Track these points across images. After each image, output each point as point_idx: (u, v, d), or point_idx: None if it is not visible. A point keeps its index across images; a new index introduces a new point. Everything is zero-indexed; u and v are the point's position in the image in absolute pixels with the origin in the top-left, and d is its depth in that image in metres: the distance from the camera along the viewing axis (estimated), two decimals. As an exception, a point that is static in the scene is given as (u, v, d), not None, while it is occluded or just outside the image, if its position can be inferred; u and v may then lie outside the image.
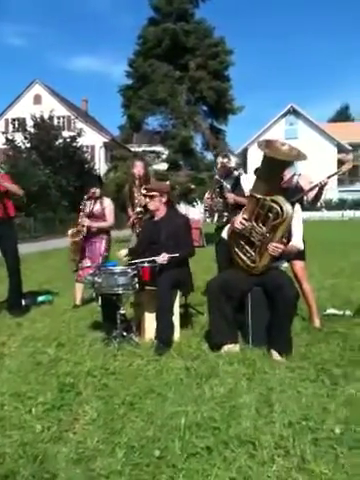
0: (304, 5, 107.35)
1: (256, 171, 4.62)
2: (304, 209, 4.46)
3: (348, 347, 3.92)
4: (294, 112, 47.46)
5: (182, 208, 21.39)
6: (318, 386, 3.08)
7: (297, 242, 3.98)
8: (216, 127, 19.78)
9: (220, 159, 5.42)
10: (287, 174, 4.63)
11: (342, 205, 43.62)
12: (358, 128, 50.98)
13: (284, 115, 47.83)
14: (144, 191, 4.70)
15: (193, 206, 19.13)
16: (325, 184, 4.51)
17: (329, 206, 42.26)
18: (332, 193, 44.00)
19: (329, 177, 4.55)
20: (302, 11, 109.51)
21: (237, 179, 5.30)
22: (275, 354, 3.69)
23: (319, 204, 4.81)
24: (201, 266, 7.50)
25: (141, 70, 18.64)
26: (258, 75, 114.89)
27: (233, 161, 5.40)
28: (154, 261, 4.15)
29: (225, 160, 5.33)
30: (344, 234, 21.22)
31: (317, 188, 4.57)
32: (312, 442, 2.32)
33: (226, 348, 3.81)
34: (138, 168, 6.17)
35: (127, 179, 7.70)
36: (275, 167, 3.78)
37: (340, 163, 46.88)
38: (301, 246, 4.02)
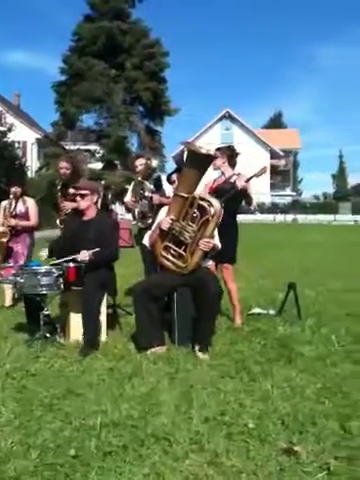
0: (239, 14, 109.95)
1: (170, 175, 4.75)
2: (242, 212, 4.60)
3: (268, 345, 4.08)
4: (230, 117, 48.49)
5: (118, 209, 21.24)
6: (237, 382, 3.18)
7: (217, 240, 4.11)
8: (152, 128, 19.89)
9: (141, 161, 5.45)
10: (226, 173, 4.76)
11: (274, 209, 45.10)
12: (290, 135, 52.96)
13: (220, 120, 48.74)
14: (73, 190, 4.63)
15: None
16: (244, 188, 4.65)
17: (262, 209, 43.67)
18: (265, 197, 45.43)
19: (247, 180, 4.70)
20: (237, 20, 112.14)
21: (158, 180, 5.36)
22: (198, 351, 3.77)
23: (253, 207, 5.00)
24: (131, 267, 7.50)
25: (76, 67, 18.41)
26: (196, 80, 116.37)
27: (154, 163, 5.47)
28: (75, 260, 4.10)
29: (148, 161, 5.38)
30: (274, 236, 21.95)
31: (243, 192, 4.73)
32: (226, 437, 2.40)
33: (152, 350, 3.83)
34: (62, 169, 5.64)
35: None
36: (197, 166, 3.86)
37: (273, 168, 48.61)
38: (219, 244, 4.13)
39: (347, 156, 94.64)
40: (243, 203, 4.93)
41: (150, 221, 5.04)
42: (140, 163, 5.40)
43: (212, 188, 4.83)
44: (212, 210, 3.82)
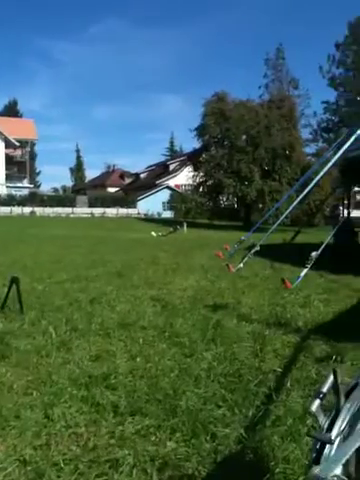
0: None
1: None
2: None
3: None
4: None
5: None
6: None
7: None
8: None
9: None
10: None
11: (11, 201, 43.41)
12: (26, 125, 51.68)
13: None
14: None
15: None
16: None
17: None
18: (1, 189, 43.41)
19: None
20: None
21: None
22: None
23: None
24: None
25: None
26: None
27: None
28: None
29: None
30: (10, 230, 21.22)
31: None
32: None
33: None
34: None
35: None
36: None
37: (8, 158, 46.59)
38: None
39: (84, 150, 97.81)
40: None
41: None
42: None
43: None
44: None
